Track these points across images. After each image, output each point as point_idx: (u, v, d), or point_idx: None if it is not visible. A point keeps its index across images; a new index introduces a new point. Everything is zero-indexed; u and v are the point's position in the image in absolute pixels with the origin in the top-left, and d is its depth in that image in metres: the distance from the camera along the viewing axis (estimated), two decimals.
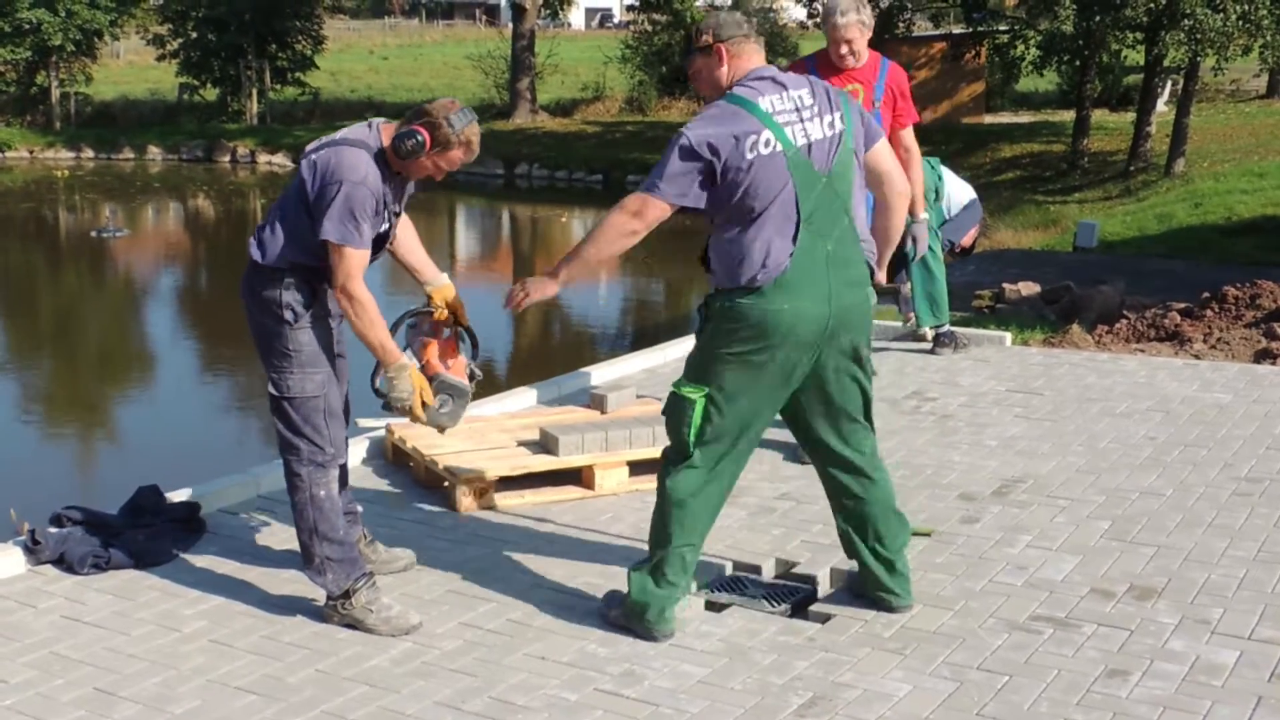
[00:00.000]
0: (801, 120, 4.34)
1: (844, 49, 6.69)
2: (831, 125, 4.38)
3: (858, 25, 6.65)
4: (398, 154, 4.53)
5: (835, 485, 4.72)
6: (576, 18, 70.40)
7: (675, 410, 4.51)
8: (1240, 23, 21.26)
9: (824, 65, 6.75)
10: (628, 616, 4.59)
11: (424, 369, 4.90)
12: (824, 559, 5.32)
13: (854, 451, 4.63)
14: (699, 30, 4.58)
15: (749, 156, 4.25)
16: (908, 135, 6.99)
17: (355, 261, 4.49)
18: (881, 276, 4.82)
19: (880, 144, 4.66)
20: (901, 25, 29.49)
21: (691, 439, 4.47)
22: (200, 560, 5.35)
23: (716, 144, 4.27)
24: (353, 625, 4.66)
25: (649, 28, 41.91)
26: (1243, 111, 31.46)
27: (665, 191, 4.33)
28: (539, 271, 4.73)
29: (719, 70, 4.49)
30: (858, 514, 4.70)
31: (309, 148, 4.65)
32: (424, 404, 4.81)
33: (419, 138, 4.49)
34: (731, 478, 4.60)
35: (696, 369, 4.50)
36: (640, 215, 4.40)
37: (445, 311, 5.03)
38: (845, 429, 4.60)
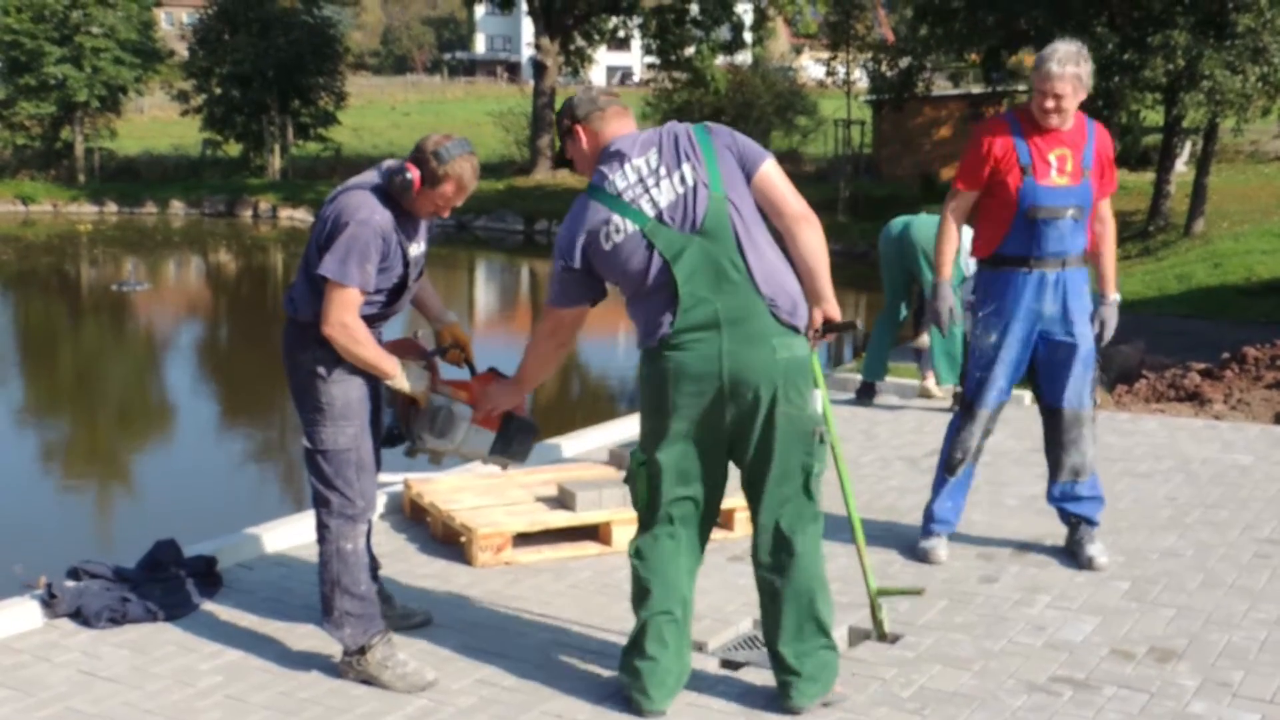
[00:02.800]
0: (648, 189, 4.27)
1: (1050, 104, 5.70)
2: (683, 180, 4.24)
3: (1074, 80, 5.67)
4: (391, 191, 4.57)
5: (754, 548, 4.48)
6: (597, 75, 70.86)
7: (628, 478, 4.54)
8: (1260, 84, 21.34)
9: (1027, 122, 5.85)
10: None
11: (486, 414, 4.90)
12: (841, 617, 5.29)
13: (782, 520, 4.37)
14: (560, 115, 4.59)
15: (605, 247, 4.30)
16: (1105, 206, 5.96)
17: (350, 299, 4.50)
18: (833, 312, 4.39)
19: (763, 169, 4.33)
20: (921, 84, 29.63)
21: (641, 504, 4.48)
22: (216, 615, 5.35)
23: (575, 245, 4.37)
24: (368, 681, 4.65)
25: (669, 85, 42.21)
26: (1262, 172, 31.51)
27: (564, 300, 4.47)
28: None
29: (583, 149, 4.51)
30: (767, 589, 4.45)
31: (325, 200, 4.68)
32: (500, 450, 4.92)
33: (408, 175, 4.53)
34: (691, 540, 4.48)
35: (639, 434, 4.54)
36: (557, 330, 4.55)
37: (458, 351, 5.08)
38: (773, 493, 4.36)
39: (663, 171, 4.28)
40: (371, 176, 4.66)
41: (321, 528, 4.74)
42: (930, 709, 4.47)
